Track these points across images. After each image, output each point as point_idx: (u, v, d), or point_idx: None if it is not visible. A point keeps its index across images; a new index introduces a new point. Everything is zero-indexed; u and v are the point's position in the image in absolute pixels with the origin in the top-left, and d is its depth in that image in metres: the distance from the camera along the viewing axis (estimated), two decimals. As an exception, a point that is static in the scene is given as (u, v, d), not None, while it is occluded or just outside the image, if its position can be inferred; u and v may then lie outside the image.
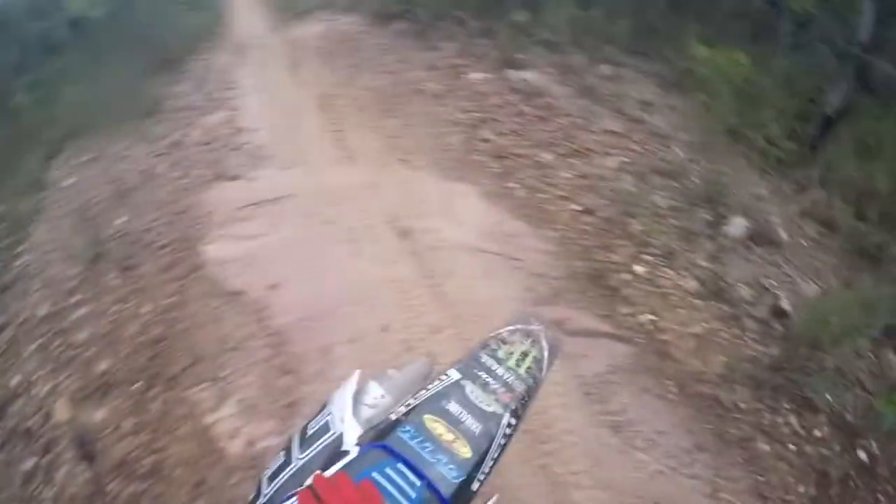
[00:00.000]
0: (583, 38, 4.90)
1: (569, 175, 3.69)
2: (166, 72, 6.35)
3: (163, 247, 3.50)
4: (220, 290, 3.09)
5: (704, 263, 3.16)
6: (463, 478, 0.91)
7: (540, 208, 3.48)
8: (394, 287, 2.94)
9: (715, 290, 2.98)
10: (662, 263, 3.18)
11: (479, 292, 2.90)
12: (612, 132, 4.02)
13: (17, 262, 3.87)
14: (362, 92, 4.90)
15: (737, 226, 3.33)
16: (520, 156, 3.88)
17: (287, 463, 0.95)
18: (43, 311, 3.23)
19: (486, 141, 4.06)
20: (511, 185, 3.66)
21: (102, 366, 2.79)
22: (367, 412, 1.06)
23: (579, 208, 3.46)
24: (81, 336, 3.00)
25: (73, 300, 3.28)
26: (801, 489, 2.17)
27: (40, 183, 4.76)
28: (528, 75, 4.66)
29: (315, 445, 0.97)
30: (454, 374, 1.09)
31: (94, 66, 6.26)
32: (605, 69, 4.71)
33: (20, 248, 4.02)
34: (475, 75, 4.70)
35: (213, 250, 3.35)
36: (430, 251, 3.19)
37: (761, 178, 3.67)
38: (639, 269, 3.15)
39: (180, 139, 4.71)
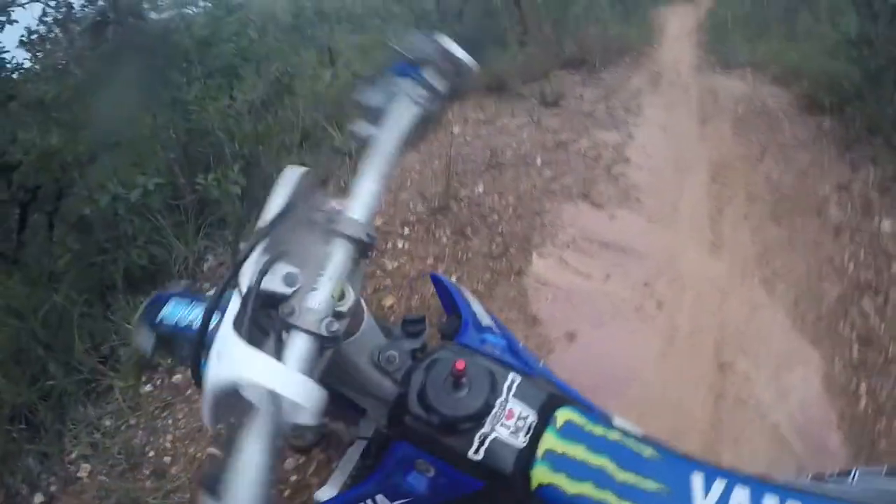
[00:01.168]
0: None
1: None
2: (578, 70, 6.44)
3: (500, 233, 3.48)
4: (523, 306, 2.96)
5: None
6: None
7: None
8: (681, 413, 2.48)
9: None
10: None
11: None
12: None
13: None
14: (760, 180, 4.24)
15: None
16: (887, 351, 2.85)
17: None
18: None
19: (864, 316, 3.08)
20: (861, 389, 2.70)
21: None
22: None
23: None
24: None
25: (401, 231, 3.52)
26: None
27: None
28: None
29: None
30: None
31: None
32: None
33: None
34: (887, 223, 3.61)
35: (542, 266, 3.21)
36: (735, 405, 2.58)
37: None
38: None
39: (568, 141, 4.67)
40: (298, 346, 0.56)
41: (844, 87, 4.92)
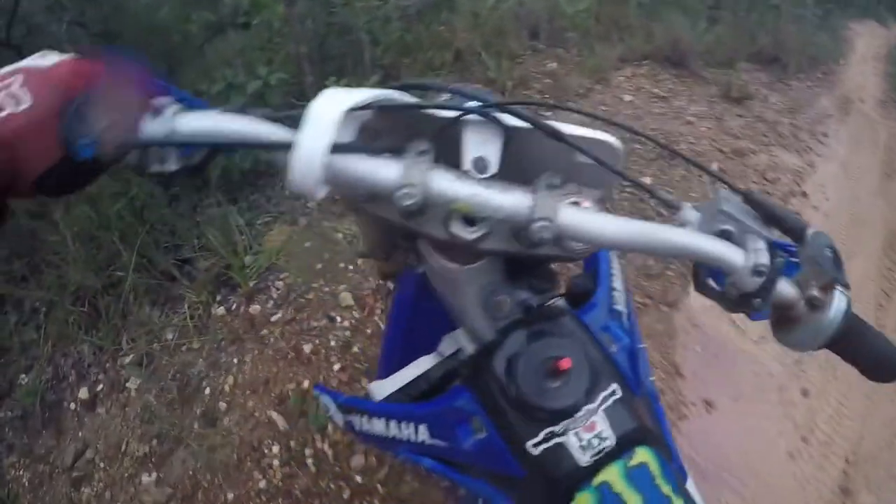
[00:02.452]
0: None
1: None
2: (767, 68, 5.91)
3: None
4: (667, 349, 2.76)
5: None
6: None
7: None
8: None
9: None
10: None
11: None
12: None
13: None
14: None
15: None
16: None
17: None
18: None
19: None
20: None
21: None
22: None
23: None
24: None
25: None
26: None
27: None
28: None
29: None
30: None
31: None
32: None
33: None
34: None
35: (697, 303, 2.99)
36: None
37: None
38: None
39: (747, 151, 4.33)
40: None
41: None
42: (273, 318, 2.76)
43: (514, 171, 0.57)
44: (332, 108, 0.46)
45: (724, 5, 6.83)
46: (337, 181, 0.49)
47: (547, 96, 4.54)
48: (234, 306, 2.82)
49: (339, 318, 2.75)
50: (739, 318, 3.02)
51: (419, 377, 0.73)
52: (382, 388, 0.73)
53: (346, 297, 2.82)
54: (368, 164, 0.50)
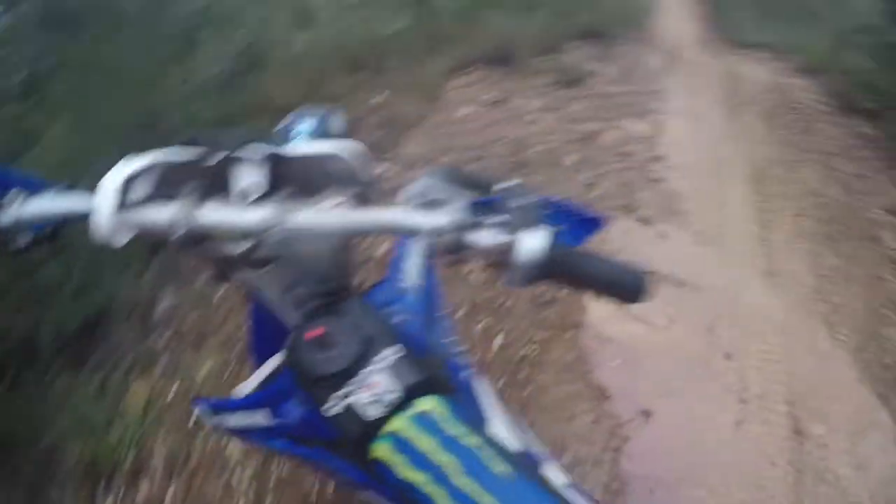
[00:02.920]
0: None
1: None
2: (592, 42, 5.92)
3: None
4: (586, 375, 2.52)
5: None
6: None
7: None
8: (763, 498, 2.17)
9: None
10: None
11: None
12: None
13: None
14: (803, 192, 3.90)
15: None
16: None
17: None
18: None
19: None
20: None
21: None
22: None
23: None
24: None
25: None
26: None
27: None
28: None
29: None
30: None
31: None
32: None
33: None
34: None
35: (600, 315, 2.77)
36: (815, 476, 2.28)
37: None
38: None
39: (594, 132, 4.21)
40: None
41: (882, 89, 4.62)
42: (167, 499, 2.23)
43: (301, 186, 0.68)
44: (116, 176, 0.61)
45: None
46: (133, 230, 0.62)
47: (382, 133, 4.22)
48: (120, 496, 2.30)
49: (234, 481, 2.27)
50: (643, 312, 2.86)
51: (272, 372, 0.80)
52: (245, 389, 0.81)
53: (234, 452, 2.35)
54: (149, 212, 0.62)
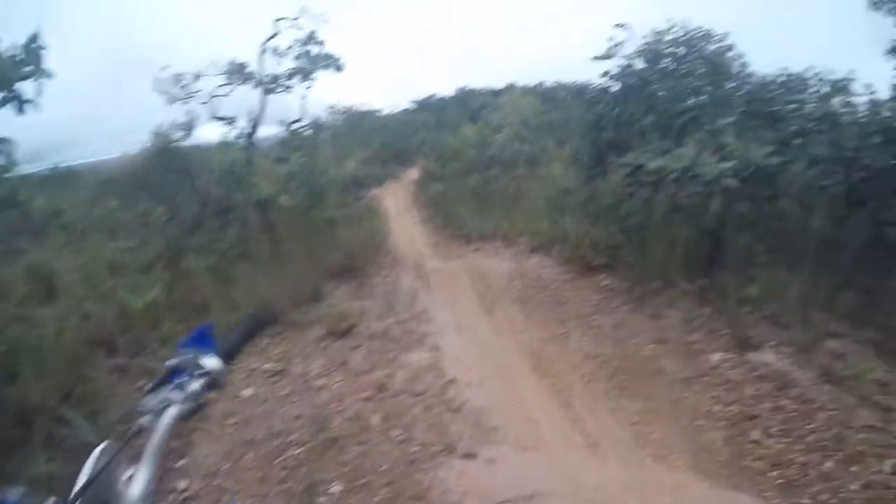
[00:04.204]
0: (804, 309, 4.52)
1: (856, 486, 3.07)
2: (348, 280, 6.30)
3: None
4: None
5: None
6: None
7: None
8: None
9: None
10: None
11: None
12: (871, 427, 3.50)
13: (175, 485, 3.38)
14: (582, 359, 4.49)
15: None
16: (801, 464, 3.27)
17: None
18: None
19: (756, 443, 3.46)
20: (803, 501, 3.03)
21: None
22: None
23: None
24: None
25: None
26: None
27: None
28: (769, 357, 4.23)
29: None
30: None
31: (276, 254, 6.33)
32: (831, 344, 4.31)
33: (178, 464, 3.53)
34: (716, 357, 4.26)
35: None
36: None
37: None
38: None
39: (385, 380, 4.33)
40: None
41: (604, 243, 5.69)
42: None
43: None
44: None
45: (285, 241, 7.14)
46: None
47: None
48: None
49: None
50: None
51: None
52: None
53: None
54: None
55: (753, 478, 3.21)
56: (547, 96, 16.96)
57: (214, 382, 1.22)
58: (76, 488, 0.92)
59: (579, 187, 6.63)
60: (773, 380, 4.00)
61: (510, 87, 19.91)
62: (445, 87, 29.60)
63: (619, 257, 5.56)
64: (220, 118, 10.37)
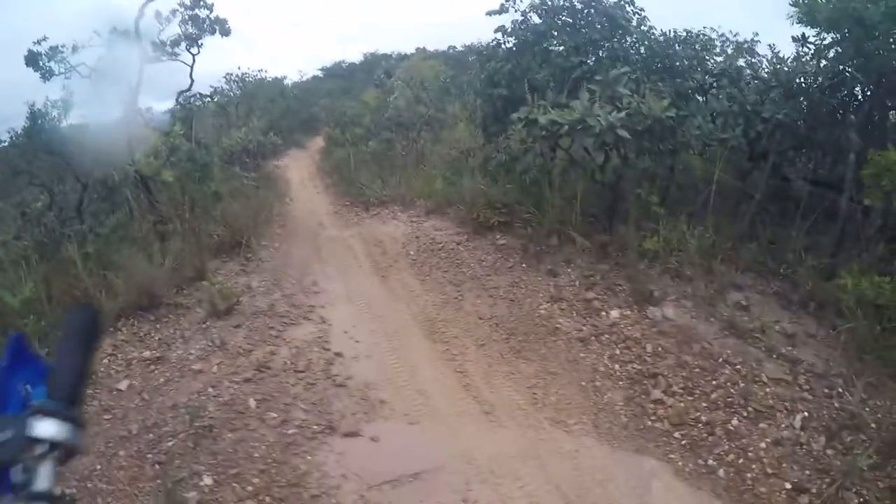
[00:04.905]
0: (702, 260, 4.48)
1: (764, 444, 3.03)
2: (235, 257, 5.84)
3: None
4: None
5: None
6: None
7: (752, 491, 2.77)
8: None
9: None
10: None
11: None
12: (779, 380, 3.47)
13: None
14: (476, 321, 4.30)
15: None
16: (706, 423, 3.20)
17: None
18: None
19: (658, 403, 3.38)
20: (709, 461, 2.96)
21: None
22: None
23: (791, 486, 2.78)
24: None
25: None
26: None
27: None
28: (669, 311, 4.13)
29: None
30: None
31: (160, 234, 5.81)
32: (734, 295, 4.27)
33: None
34: (614, 313, 4.14)
35: None
36: None
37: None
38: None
39: (267, 359, 3.97)
40: None
41: (503, 204, 5.49)
42: None
43: None
44: None
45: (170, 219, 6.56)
46: None
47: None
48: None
49: None
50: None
51: None
52: None
53: None
54: None
55: (656, 439, 3.14)
56: (458, 59, 16.61)
57: (70, 453, 0.80)
58: None
59: (479, 148, 6.41)
60: (675, 335, 3.92)
61: (419, 52, 19.43)
62: (356, 55, 28.50)
63: (516, 215, 5.40)
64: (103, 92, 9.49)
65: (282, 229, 6.60)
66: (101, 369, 4.08)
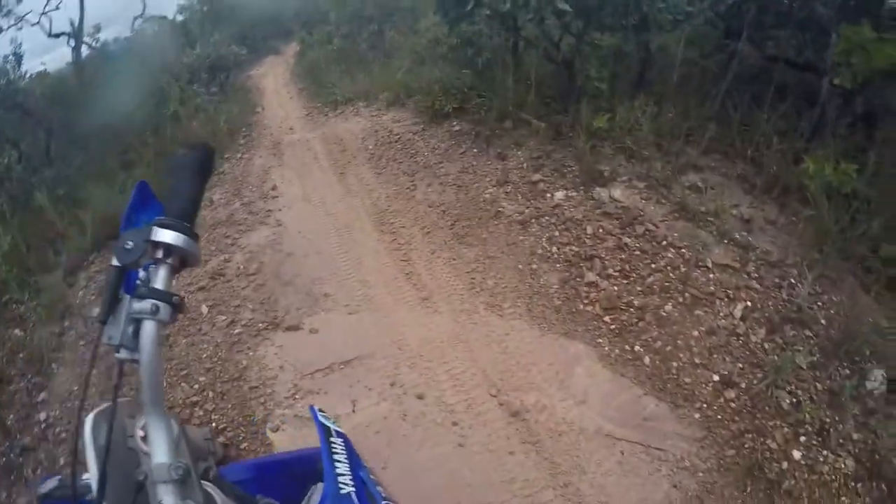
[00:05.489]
0: (662, 141, 4.28)
1: (697, 333, 3.00)
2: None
3: (221, 430, 2.85)
4: None
5: (856, 435, 2.58)
6: None
7: (676, 381, 2.82)
8: (515, 489, 2.37)
9: (871, 468, 2.46)
10: (817, 443, 2.56)
11: (618, 494, 2.35)
12: (726, 266, 3.35)
13: (38, 417, 3.32)
14: (425, 209, 4.33)
15: (877, 379, 2.74)
16: (638, 308, 3.19)
17: None
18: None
19: (592, 286, 3.37)
20: (636, 347, 3.00)
21: None
22: None
23: (719, 379, 2.80)
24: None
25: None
26: None
27: (64, 306, 4.23)
28: (617, 192, 3.99)
29: None
30: None
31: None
32: (692, 177, 4.07)
33: (40, 397, 3.46)
34: (559, 195, 4.07)
35: (281, 440, 2.72)
36: (552, 438, 2.57)
37: (879, 304, 3.05)
38: (796, 454, 2.53)
39: (222, 267, 4.12)
40: None
41: (459, 90, 5.34)
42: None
43: None
44: None
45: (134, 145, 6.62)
46: None
47: None
48: None
49: None
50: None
51: None
52: None
53: None
54: None
55: (586, 323, 3.16)
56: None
57: (183, 262, 0.87)
58: (91, 461, 0.82)
59: (445, 36, 6.13)
60: (619, 217, 3.79)
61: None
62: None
63: (471, 100, 5.24)
64: (56, 35, 9.23)
65: (245, 139, 6.55)
66: (76, 301, 4.33)
